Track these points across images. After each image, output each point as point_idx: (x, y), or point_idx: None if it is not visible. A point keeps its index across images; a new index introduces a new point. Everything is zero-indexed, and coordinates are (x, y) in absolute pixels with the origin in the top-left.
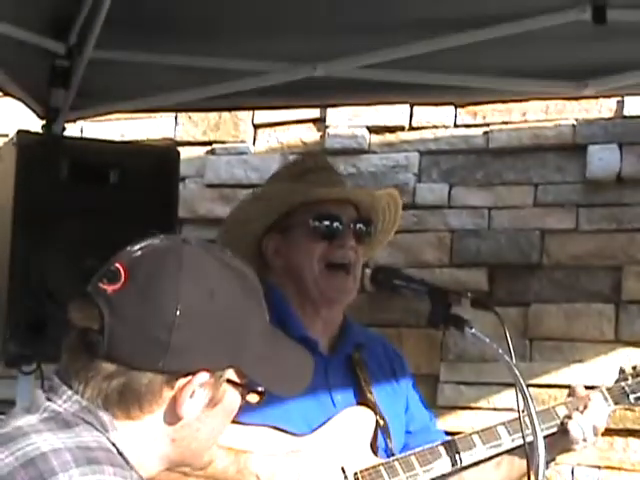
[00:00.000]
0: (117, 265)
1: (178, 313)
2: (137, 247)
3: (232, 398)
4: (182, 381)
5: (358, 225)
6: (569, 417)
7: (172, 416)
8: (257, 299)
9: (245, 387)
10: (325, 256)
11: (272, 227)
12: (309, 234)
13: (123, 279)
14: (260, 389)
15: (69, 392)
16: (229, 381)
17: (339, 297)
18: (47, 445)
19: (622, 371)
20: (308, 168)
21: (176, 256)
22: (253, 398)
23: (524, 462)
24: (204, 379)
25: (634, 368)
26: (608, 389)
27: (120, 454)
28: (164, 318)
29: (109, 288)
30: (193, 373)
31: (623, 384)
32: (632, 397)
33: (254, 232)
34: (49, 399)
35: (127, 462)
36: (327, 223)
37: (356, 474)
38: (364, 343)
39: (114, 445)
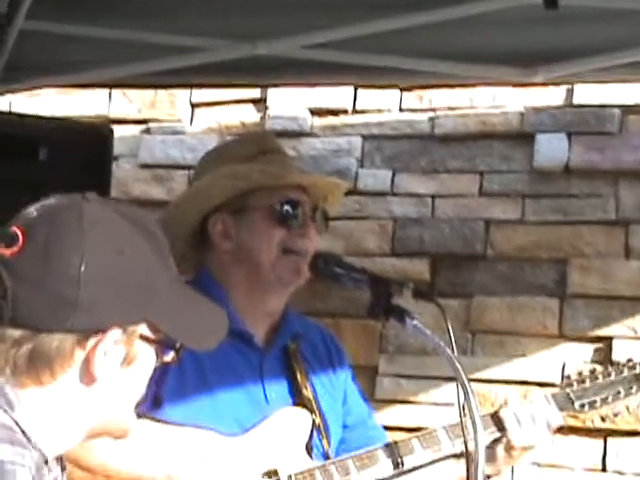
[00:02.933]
0: (14, 229)
1: (83, 268)
2: (33, 209)
3: (147, 355)
4: (93, 340)
5: (316, 213)
6: (506, 404)
7: (86, 377)
8: (164, 252)
9: (159, 343)
10: (284, 242)
11: (221, 207)
12: (269, 218)
13: (21, 241)
14: (176, 345)
15: None
16: (142, 337)
17: (295, 281)
18: None
19: (567, 377)
20: (263, 149)
21: (76, 212)
22: (167, 356)
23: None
24: (116, 336)
25: (579, 374)
26: (552, 395)
27: (22, 432)
28: (68, 274)
29: (7, 252)
30: (104, 330)
31: (568, 390)
32: (577, 404)
33: (201, 209)
34: None
35: (29, 440)
36: (290, 209)
37: (290, 477)
38: (302, 333)
39: (17, 423)
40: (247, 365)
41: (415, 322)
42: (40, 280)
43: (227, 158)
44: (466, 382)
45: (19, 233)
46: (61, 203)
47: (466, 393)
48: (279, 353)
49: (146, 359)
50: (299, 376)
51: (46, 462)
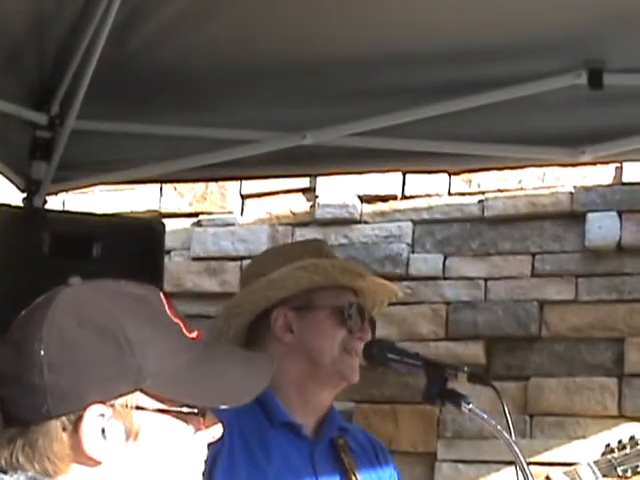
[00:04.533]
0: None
1: (42, 352)
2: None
3: (161, 426)
4: (77, 421)
5: (370, 316)
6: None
7: (85, 459)
8: (161, 317)
9: (171, 412)
10: (345, 342)
11: (284, 301)
12: (334, 319)
13: (6, 343)
14: (193, 410)
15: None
16: (140, 408)
17: (352, 378)
18: None
19: (607, 445)
20: (322, 253)
21: (47, 300)
22: (214, 430)
23: None
24: (98, 411)
25: (619, 442)
26: (595, 462)
27: None
28: (32, 362)
29: None
30: (83, 409)
31: (609, 457)
32: (620, 469)
33: (270, 299)
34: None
35: None
36: (354, 313)
37: None
38: (347, 428)
39: None
40: (298, 454)
41: (471, 406)
42: (14, 376)
43: (292, 256)
44: (525, 466)
45: (7, 336)
46: (45, 295)
47: (526, 477)
48: (327, 445)
49: (160, 430)
50: (349, 467)
51: None
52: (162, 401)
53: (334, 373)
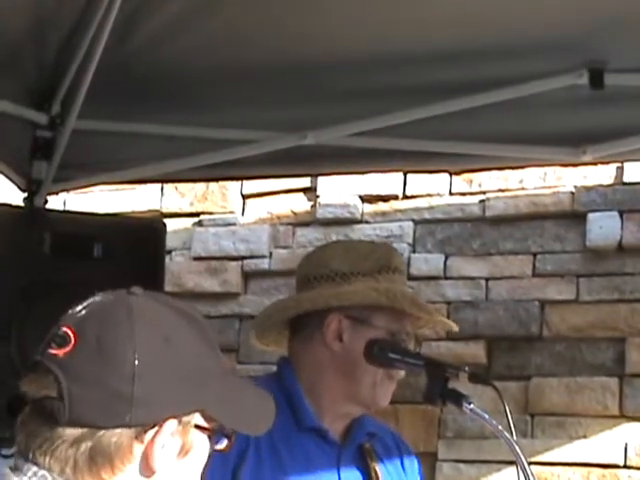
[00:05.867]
0: (64, 329)
1: (137, 362)
2: (80, 307)
3: (202, 444)
4: (151, 433)
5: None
6: None
7: (146, 471)
8: (211, 341)
9: (213, 431)
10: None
11: (343, 308)
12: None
13: (73, 340)
14: (228, 433)
15: (34, 468)
16: (197, 426)
17: (385, 402)
18: None
19: None
20: (389, 265)
21: (124, 306)
22: (221, 444)
23: None
24: (173, 427)
25: None
26: None
27: None
28: (123, 370)
29: (60, 352)
30: (160, 423)
31: None
32: None
33: (330, 304)
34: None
35: None
36: (406, 340)
37: None
38: (375, 433)
39: None
40: (324, 457)
41: (472, 406)
42: (95, 377)
43: (364, 267)
44: (526, 466)
45: (70, 332)
46: (108, 299)
47: (527, 477)
48: (355, 450)
49: (201, 448)
50: (373, 474)
51: None
52: (209, 421)
53: (369, 397)
